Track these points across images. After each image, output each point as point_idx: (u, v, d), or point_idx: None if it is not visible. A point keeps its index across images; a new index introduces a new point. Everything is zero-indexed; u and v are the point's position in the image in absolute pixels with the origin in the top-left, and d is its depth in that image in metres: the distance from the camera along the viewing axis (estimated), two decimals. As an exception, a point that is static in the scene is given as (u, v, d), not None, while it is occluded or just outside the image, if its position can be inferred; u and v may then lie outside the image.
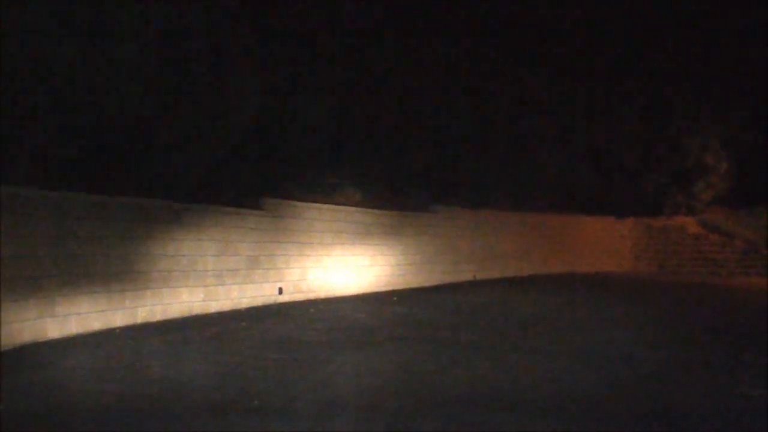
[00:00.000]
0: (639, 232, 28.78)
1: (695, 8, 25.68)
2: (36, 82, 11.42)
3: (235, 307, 14.36)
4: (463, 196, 22.15)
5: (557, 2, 23.70)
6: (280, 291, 15.51)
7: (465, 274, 21.73)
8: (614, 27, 25.18)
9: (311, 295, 16.32)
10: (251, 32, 14.81)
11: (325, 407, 7.38)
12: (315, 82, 16.66)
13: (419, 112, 19.99)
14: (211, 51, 13.84)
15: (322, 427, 6.70)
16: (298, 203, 16.37)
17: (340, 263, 17.34)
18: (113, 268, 11.97)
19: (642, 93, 26.87)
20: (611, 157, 27.05)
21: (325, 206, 17.13)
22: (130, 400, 7.55)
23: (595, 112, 25.98)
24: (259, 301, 15.00)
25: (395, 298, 16.78)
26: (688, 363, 10.17)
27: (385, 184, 19.55)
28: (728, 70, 26.28)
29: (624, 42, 25.72)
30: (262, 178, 15.93)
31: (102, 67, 11.99)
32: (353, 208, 17.99)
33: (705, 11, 25.67)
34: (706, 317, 15.45)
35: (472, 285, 20.48)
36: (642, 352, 10.79)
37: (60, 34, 11.38)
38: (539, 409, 7.49)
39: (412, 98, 19.79)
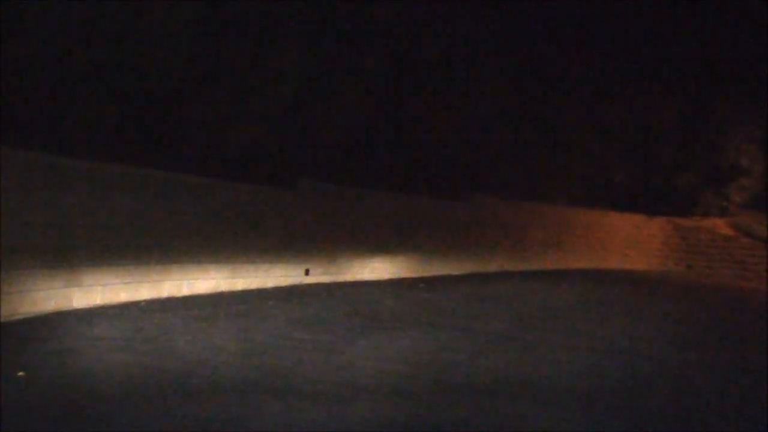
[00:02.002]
0: (669, 231, 28.40)
1: (737, 7, 25.33)
2: (77, 53, 11.41)
3: (261, 286, 14.30)
4: (494, 186, 21.98)
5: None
6: (307, 272, 15.43)
7: (492, 265, 21.56)
8: (655, 22, 24.89)
9: (339, 278, 16.23)
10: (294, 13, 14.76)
11: (348, 390, 7.26)
12: (352, 67, 16.58)
13: (453, 102, 19.87)
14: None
15: (345, 411, 6.58)
16: (331, 185, 16.28)
17: (368, 247, 17.23)
18: (141, 241, 11.92)
19: (680, 91, 26.55)
20: (646, 154, 26.77)
21: (356, 190, 17.02)
22: (152, 374, 7.47)
23: (632, 109, 25.72)
24: (286, 281, 14.93)
25: (422, 285, 16.66)
26: (714, 365, 10.00)
27: (417, 172, 19.45)
28: (768, 71, 25.88)
29: (664, 38, 25.41)
30: (297, 159, 15.87)
31: (145, 41, 11.97)
32: (382, 193, 17.87)
33: (746, 11, 25.30)
34: (727, 318, 15.23)
35: (500, 276, 20.30)
36: (670, 351, 10.62)
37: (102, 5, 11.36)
38: (566, 400, 7.34)
39: (447, 87, 19.68)
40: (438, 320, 12.12)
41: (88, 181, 10.95)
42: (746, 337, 12.92)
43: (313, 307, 12.54)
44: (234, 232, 13.82)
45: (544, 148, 23.80)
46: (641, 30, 24.68)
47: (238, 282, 13.88)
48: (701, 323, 14.21)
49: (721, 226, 28.14)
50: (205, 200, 13.22)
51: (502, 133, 21.73)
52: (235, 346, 9.06)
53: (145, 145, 12.73)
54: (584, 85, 23.85)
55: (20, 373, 7.10)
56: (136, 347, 8.63)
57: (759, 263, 26.70)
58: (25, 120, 11.21)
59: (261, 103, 14.63)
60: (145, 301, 11.76)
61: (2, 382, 6.81)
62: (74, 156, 10.92)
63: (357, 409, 6.65)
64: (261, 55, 14.63)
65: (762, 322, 14.39)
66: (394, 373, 8.16)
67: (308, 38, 15.75)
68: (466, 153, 20.92)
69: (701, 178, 27.57)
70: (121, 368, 7.61)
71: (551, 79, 23.07)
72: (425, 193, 19.29)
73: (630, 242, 27.41)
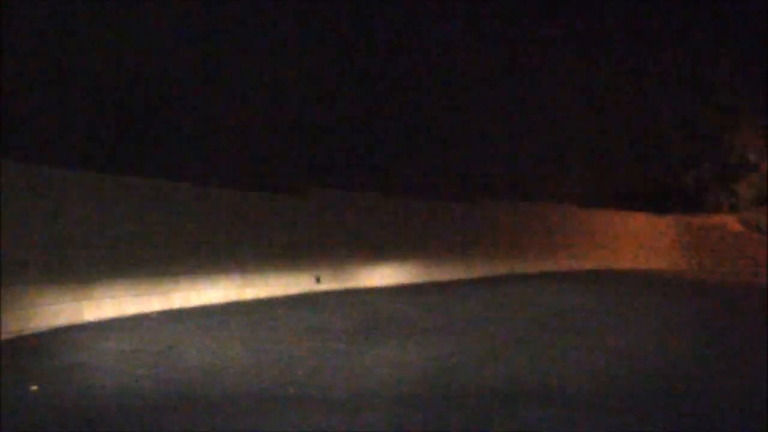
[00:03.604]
0: (678, 229, 28.31)
1: (744, 3, 25.31)
2: (80, 66, 11.42)
3: (271, 295, 14.28)
4: (502, 189, 21.96)
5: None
6: (318, 279, 15.40)
7: (503, 268, 21.50)
8: (661, 21, 24.87)
9: (349, 285, 16.20)
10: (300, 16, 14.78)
11: (361, 397, 7.24)
12: (357, 73, 16.60)
13: (460, 106, 19.87)
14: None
15: (359, 419, 6.55)
16: (341, 192, 16.26)
17: (379, 254, 17.20)
18: (150, 252, 11.91)
19: (687, 88, 26.52)
20: (654, 153, 26.73)
21: (366, 196, 16.99)
22: (165, 386, 7.46)
23: (639, 107, 25.69)
24: (296, 289, 14.91)
25: (433, 290, 16.61)
26: (734, 369, 9.93)
27: (425, 177, 19.44)
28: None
29: (671, 35, 25.38)
30: (307, 166, 15.88)
31: (150, 55, 12.00)
32: (393, 199, 17.84)
33: (754, 7, 25.28)
34: (743, 316, 15.13)
35: (510, 279, 20.24)
36: (683, 352, 10.56)
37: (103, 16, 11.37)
38: (577, 404, 7.29)
39: (454, 92, 19.68)
40: (449, 325, 12.07)
41: (95, 193, 10.95)
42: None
43: (324, 314, 12.51)
44: (243, 241, 13.81)
45: (552, 149, 23.77)
46: (647, 27, 24.65)
47: (248, 291, 13.86)
48: (717, 324, 14.13)
49: (730, 222, 28.06)
50: (213, 210, 13.21)
51: (510, 136, 21.70)
52: (247, 356, 9.04)
53: (153, 155, 12.74)
54: (591, 85, 23.81)
55: (33, 387, 7.10)
56: (148, 359, 8.61)
57: (770, 259, 26.66)
58: (29, 133, 11.22)
59: (269, 112, 14.64)
60: (156, 312, 11.74)
61: (15, 396, 6.81)
62: (81, 168, 10.92)
63: (370, 416, 6.62)
64: (268, 64, 14.64)
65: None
66: (407, 379, 8.12)
67: (316, 46, 15.77)
68: (475, 157, 20.90)
69: (710, 175, 27.50)
70: (134, 381, 7.59)
71: (558, 80, 23.04)
72: (434, 198, 19.25)
73: (640, 241, 27.33)
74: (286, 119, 15.13)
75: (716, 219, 28.10)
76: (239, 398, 7.06)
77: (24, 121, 11.28)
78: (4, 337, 9.24)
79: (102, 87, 12.03)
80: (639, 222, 27.35)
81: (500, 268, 21.42)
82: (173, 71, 13.05)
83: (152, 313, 11.70)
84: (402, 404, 7.08)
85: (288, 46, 15.21)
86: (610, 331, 12.13)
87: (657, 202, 27.44)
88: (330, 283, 15.75)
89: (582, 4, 22.91)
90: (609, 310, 14.88)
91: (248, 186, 14.15)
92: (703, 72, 26.26)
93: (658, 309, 15.33)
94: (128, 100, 12.28)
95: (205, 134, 13.91)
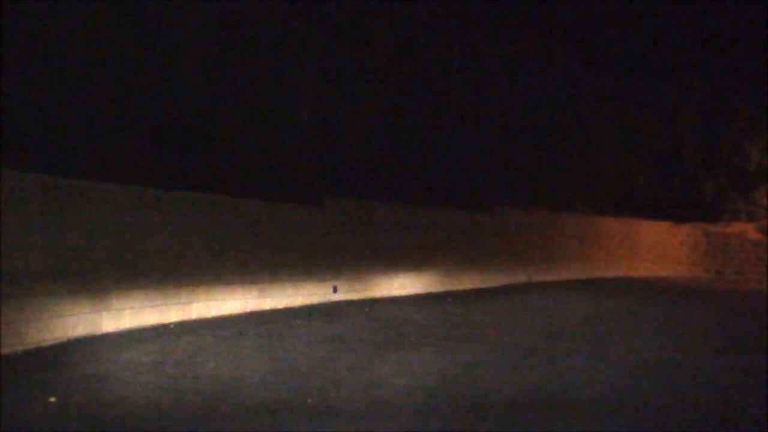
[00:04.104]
0: (697, 238, 28.15)
1: (757, 12, 25.24)
2: (96, 75, 11.49)
3: (289, 305, 14.28)
4: (520, 198, 21.92)
5: (622, 4, 23.48)
6: (335, 290, 15.41)
7: (520, 277, 21.45)
8: (678, 29, 24.85)
9: (366, 295, 16.20)
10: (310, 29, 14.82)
11: (379, 408, 7.23)
12: (371, 81, 16.62)
13: (475, 111, 19.87)
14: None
15: (378, 429, 6.55)
16: (357, 201, 16.28)
17: (396, 263, 17.19)
18: (168, 263, 11.94)
19: (704, 96, 26.44)
20: (671, 160, 26.65)
21: (382, 205, 17.00)
22: (184, 397, 7.47)
23: (656, 115, 25.63)
24: (313, 300, 14.91)
25: (450, 299, 16.59)
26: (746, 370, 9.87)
27: (443, 185, 19.43)
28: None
29: (687, 44, 25.33)
30: (324, 175, 15.91)
31: (164, 65, 12.06)
32: (410, 209, 17.83)
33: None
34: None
35: (528, 287, 20.20)
36: (701, 360, 10.52)
37: (120, 25, 11.44)
38: (597, 413, 7.27)
39: (470, 98, 19.68)
40: (467, 335, 12.07)
41: (112, 203, 10.99)
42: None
43: (341, 324, 12.51)
44: (261, 251, 13.83)
45: (570, 157, 23.73)
46: (663, 35, 24.62)
47: (266, 301, 13.87)
48: (737, 333, 14.06)
49: (750, 230, 27.91)
50: (230, 219, 13.24)
51: (527, 144, 21.69)
52: (265, 367, 9.04)
53: (169, 165, 12.79)
54: (607, 93, 23.79)
55: (51, 399, 7.12)
56: (167, 371, 8.63)
57: (790, 267, 26.46)
58: (45, 142, 11.30)
59: (285, 121, 14.68)
60: (174, 323, 11.76)
61: (34, 408, 6.84)
62: (99, 178, 10.97)
63: (388, 427, 6.62)
64: (282, 73, 14.69)
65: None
66: (424, 389, 8.11)
67: (328, 54, 15.81)
68: (491, 165, 20.89)
69: (728, 183, 27.37)
70: (153, 392, 7.61)
71: (575, 89, 23.03)
72: (451, 207, 19.23)
73: (658, 249, 27.21)
74: (302, 128, 15.16)
75: (735, 227, 27.96)
76: (258, 410, 7.07)
77: (40, 130, 11.35)
78: (22, 348, 9.28)
79: (123, 100, 12.10)
80: (657, 230, 27.22)
81: (519, 277, 21.37)
82: (192, 79, 13.11)
83: (171, 323, 11.73)
84: (418, 414, 7.07)
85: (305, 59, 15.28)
86: (627, 340, 12.09)
87: (676, 210, 27.34)
88: (347, 293, 15.75)
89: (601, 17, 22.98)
90: (621, 319, 14.83)
91: (265, 196, 14.17)
92: (721, 81, 26.20)
93: (674, 318, 15.27)
94: (148, 112, 12.35)
95: (223, 145, 13.95)
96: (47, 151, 11.21)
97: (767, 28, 25.55)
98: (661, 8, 24.68)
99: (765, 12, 25.13)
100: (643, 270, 26.27)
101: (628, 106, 24.90)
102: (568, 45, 22.64)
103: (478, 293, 18.34)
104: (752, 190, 27.61)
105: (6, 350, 9.04)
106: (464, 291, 18.65)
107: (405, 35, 17.63)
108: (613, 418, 7.18)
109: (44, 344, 9.62)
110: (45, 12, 11.06)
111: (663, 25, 24.57)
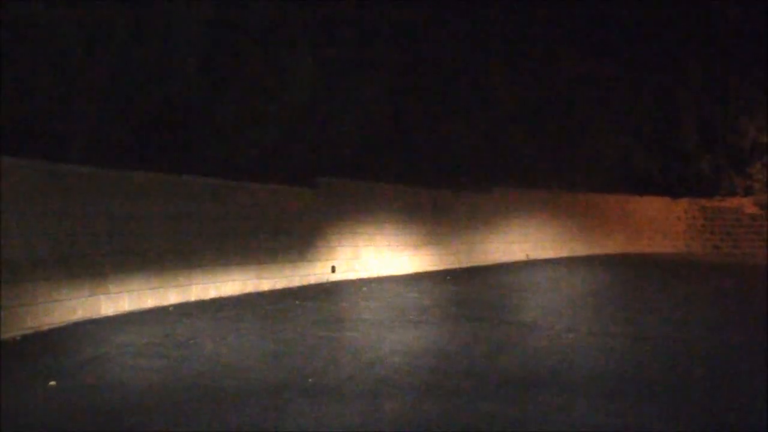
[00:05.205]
0: (694, 213, 28.15)
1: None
2: (92, 62, 11.44)
3: (287, 286, 14.29)
4: (517, 176, 21.89)
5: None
6: (333, 269, 15.41)
7: (518, 254, 21.46)
8: (674, 8, 24.80)
9: (364, 274, 16.21)
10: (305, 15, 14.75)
11: (380, 387, 7.24)
12: (367, 64, 16.56)
13: (473, 92, 19.82)
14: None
15: (377, 409, 6.55)
16: (351, 182, 16.25)
17: (393, 242, 17.19)
18: (166, 247, 11.93)
19: (700, 73, 26.40)
20: (668, 138, 26.64)
21: (377, 185, 16.97)
22: (184, 379, 7.47)
23: (652, 93, 25.61)
24: (311, 280, 14.92)
25: (448, 278, 16.60)
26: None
27: (438, 165, 19.39)
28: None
29: (682, 23, 25.29)
30: (315, 157, 15.86)
31: (159, 50, 12.00)
32: (404, 187, 17.81)
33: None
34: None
35: (526, 265, 20.21)
36: (702, 335, 10.54)
37: (114, 13, 11.38)
38: (597, 391, 7.27)
39: (467, 79, 19.63)
40: (465, 312, 12.07)
41: (110, 188, 10.96)
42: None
43: (340, 304, 12.52)
44: (257, 233, 13.82)
45: (566, 135, 23.68)
46: (659, 13, 24.55)
47: (264, 282, 13.87)
48: (736, 306, 14.09)
49: (746, 205, 27.92)
50: (226, 202, 13.21)
51: (523, 123, 21.65)
52: (265, 348, 9.05)
53: (164, 150, 12.75)
54: (603, 71, 23.74)
55: (51, 383, 7.12)
56: (166, 353, 8.63)
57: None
58: (44, 129, 11.26)
59: (277, 103, 14.62)
60: (173, 305, 11.76)
61: (34, 392, 6.84)
62: (96, 164, 10.93)
63: (389, 406, 6.63)
64: (275, 55, 14.62)
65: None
66: (424, 367, 8.12)
67: (323, 36, 15.73)
68: (487, 144, 20.84)
69: (724, 158, 27.37)
70: (153, 374, 7.61)
71: (571, 68, 22.98)
72: (447, 186, 19.20)
73: (655, 225, 27.23)
74: (295, 109, 15.09)
75: (731, 202, 27.97)
76: (260, 390, 7.07)
77: (40, 118, 11.31)
78: (21, 333, 9.28)
79: (118, 86, 12.05)
80: (654, 206, 27.23)
81: (516, 255, 21.38)
82: (186, 65, 13.05)
83: (170, 306, 11.73)
84: (419, 392, 7.08)
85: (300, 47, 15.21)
86: (626, 314, 12.11)
87: (672, 186, 27.35)
88: (346, 272, 15.75)
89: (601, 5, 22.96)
90: (619, 295, 14.85)
91: (261, 178, 14.14)
92: (716, 58, 26.15)
93: (666, 290, 15.29)
94: (141, 96, 12.29)
95: (216, 129, 13.90)
96: (46, 138, 11.17)
97: (763, 6, 25.50)
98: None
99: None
100: (641, 246, 26.31)
101: (625, 88, 24.86)
102: (566, 27, 22.55)
103: (475, 271, 18.33)
104: (748, 166, 27.61)
105: (6, 335, 9.04)
106: (462, 269, 18.66)
107: (402, 17, 17.55)
108: (614, 391, 7.18)
109: (43, 328, 9.62)
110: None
111: (659, 4, 24.46)
